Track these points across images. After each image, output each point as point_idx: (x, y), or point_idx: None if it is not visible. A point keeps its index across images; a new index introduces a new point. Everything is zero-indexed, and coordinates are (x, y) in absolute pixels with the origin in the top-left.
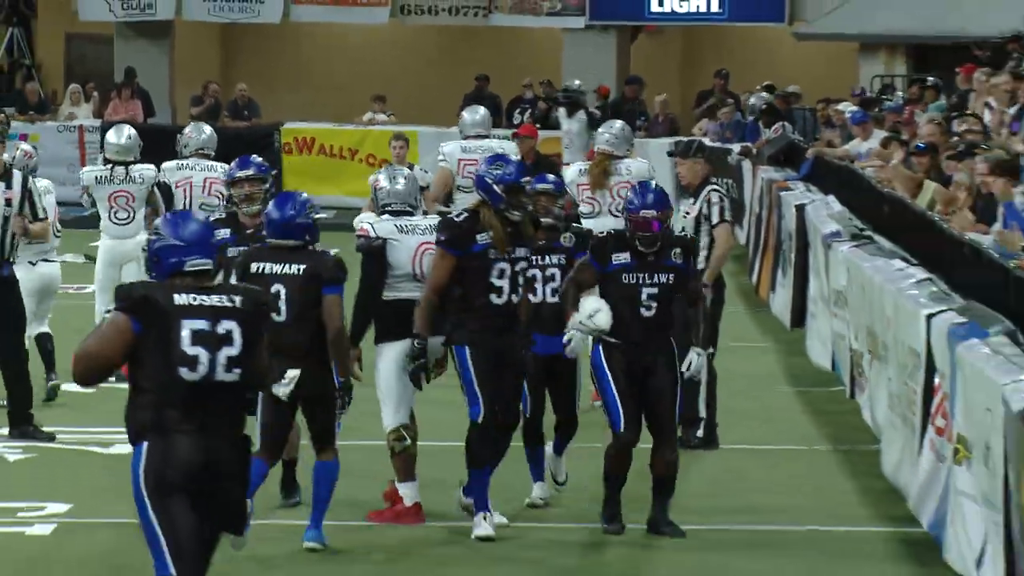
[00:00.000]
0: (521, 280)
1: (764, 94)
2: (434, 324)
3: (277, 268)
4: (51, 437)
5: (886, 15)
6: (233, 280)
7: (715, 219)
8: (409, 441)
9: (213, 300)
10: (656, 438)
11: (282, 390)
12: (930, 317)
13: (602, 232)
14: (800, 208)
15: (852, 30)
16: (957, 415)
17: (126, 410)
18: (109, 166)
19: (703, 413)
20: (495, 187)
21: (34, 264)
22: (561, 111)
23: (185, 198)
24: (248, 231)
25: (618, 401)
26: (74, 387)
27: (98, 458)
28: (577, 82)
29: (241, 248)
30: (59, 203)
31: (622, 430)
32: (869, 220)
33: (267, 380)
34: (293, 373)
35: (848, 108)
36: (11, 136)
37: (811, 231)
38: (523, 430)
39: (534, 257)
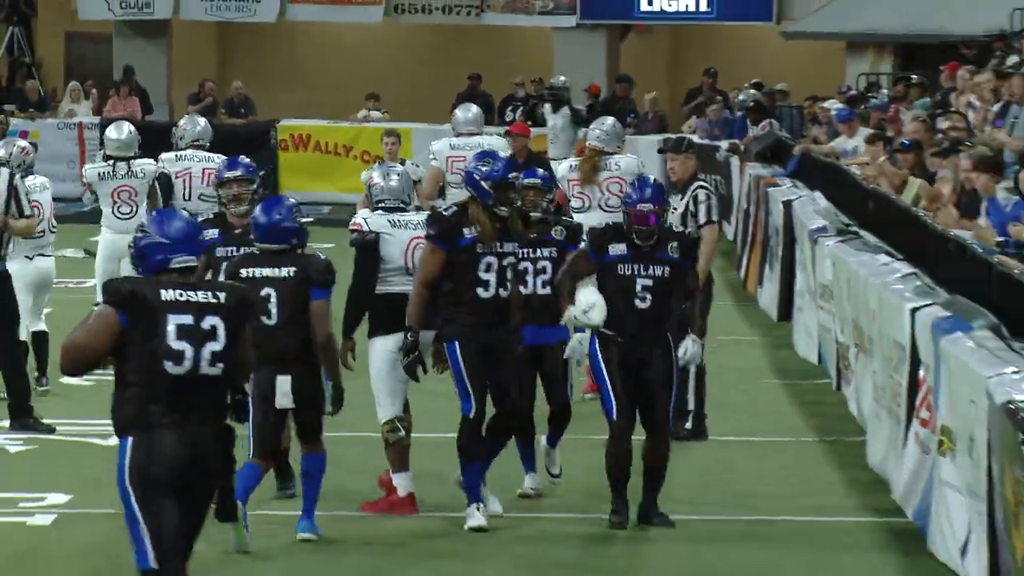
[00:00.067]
0: (509, 275)
1: (752, 91)
2: (426, 318)
3: (267, 272)
4: (51, 429)
5: (872, 14)
6: (222, 274)
7: (702, 218)
8: (403, 432)
9: (198, 296)
10: (649, 430)
11: (285, 401)
12: (915, 311)
13: (595, 225)
14: (787, 204)
15: (839, 29)
16: (941, 407)
17: (112, 403)
18: (110, 162)
19: (692, 405)
20: (483, 183)
21: (31, 259)
22: (547, 107)
23: (185, 189)
24: (236, 231)
25: (611, 391)
26: (73, 379)
27: (98, 449)
28: (562, 79)
29: (230, 248)
30: (59, 199)
31: (615, 417)
32: (855, 216)
33: (249, 374)
34: (284, 383)
35: (834, 106)
36: (11, 133)
37: (798, 226)
38: None
39: (526, 250)
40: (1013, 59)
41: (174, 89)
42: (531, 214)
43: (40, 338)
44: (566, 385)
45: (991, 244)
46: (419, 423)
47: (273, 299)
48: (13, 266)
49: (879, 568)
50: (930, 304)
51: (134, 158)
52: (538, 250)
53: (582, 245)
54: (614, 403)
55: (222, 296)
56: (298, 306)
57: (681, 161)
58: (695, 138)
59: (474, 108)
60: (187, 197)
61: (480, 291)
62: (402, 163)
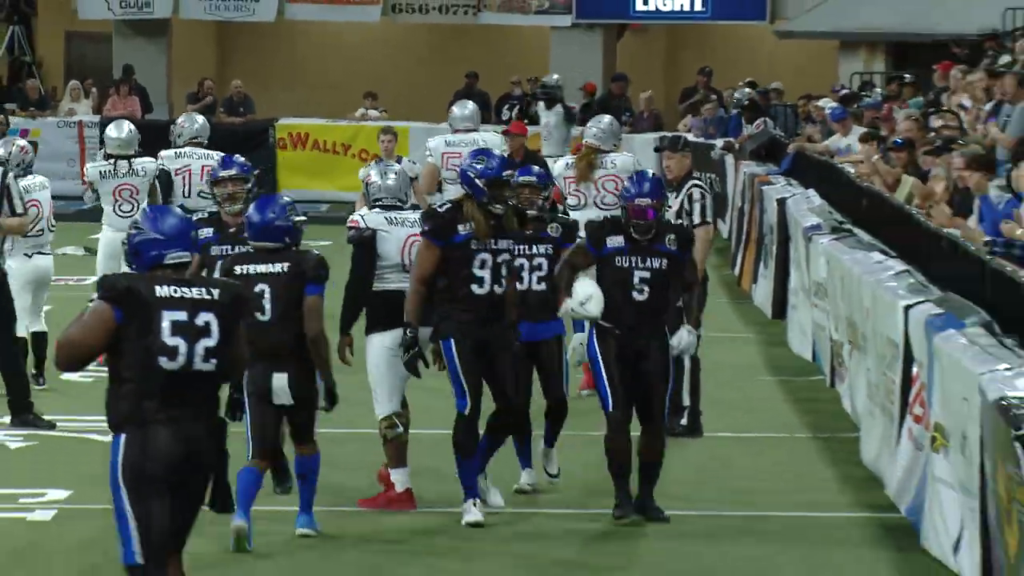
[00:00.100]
0: (504, 271)
1: (747, 89)
2: (424, 315)
3: (261, 268)
4: (51, 425)
5: (865, 13)
6: (216, 272)
7: (696, 218)
8: (401, 428)
9: (193, 292)
10: (645, 423)
11: (283, 397)
12: (908, 308)
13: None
14: (781, 202)
15: (832, 28)
16: (934, 404)
17: (106, 399)
18: (112, 161)
19: (687, 401)
20: (477, 181)
21: (30, 256)
22: (540, 105)
23: (184, 186)
24: (231, 230)
25: (607, 384)
26: (72, 376)
27: (97, 446)
28: (555, 77)
29: (224, 247)
30: (59, 197)
31: (612, 409)
32: (849, 214)
33: (243, 371)
34: (280, 381)
35: (828, 104)
36: (12, 132)
37: (792, 224)
38: None
39: (522, 247)
40: (1005, 58)
41: (174, 88)
42: (527, 212)
43: (39, 338)
44: (562, 380)
45: (979, 244)
46: (417, 419)
47: (267, 295)
48: (12, 264)
49: (873, 564)
50: (923, 301)
51: (135, 156)
52: (534, 247)
53: (579, 239)
54: (610, 395)
55: (216, 293)
56: (292, 302)
57: (677, 159)
58: (690, 136)
59: (470, 105)
60: (187, 194)
61: (474, 288)
62: (398, 160)
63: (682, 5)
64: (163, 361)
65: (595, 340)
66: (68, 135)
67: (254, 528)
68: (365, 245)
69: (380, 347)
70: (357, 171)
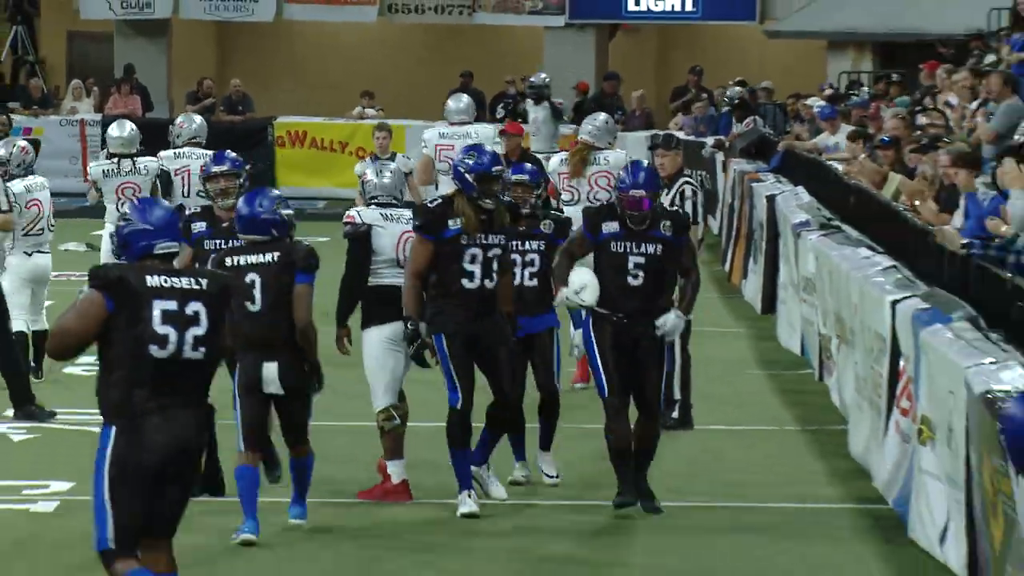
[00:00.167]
0: (495, 266)
1: (737, 88)
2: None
3: (252, 258)
4: (52, 414)
5: (853, 13)
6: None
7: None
8: (398, 420)
9: (182, 282)
10: (640, 410)
11: (273, 387)
12: (895, 303)
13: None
14: (771, 199)
15: (820, 28)
16: (921, 397)
17: (97, 387)
18: (114, 160)
19: (678, 395)
20: (467, 176)
21: (29, 255)
22: (528, 102)
23: (183, 186)
24: (224, 224)
25: (602, 371)
26: (74, 369)
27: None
28: (543, 76)
29: (217, 241)
30: (62, 194)
31: (608, 396)
32: (837, 210)
33: (224, 357)
34: (270, 370)
35: (817, 103)
36: (15, 130)
37: (781, 221)
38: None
39: (514, 243)
40: (991, 58)
41: (174, 87)
42: (520, 209)
43: (40, 337)
44: (553, 372)
45: (956, 247)
46: (415, 413)
47: (257, 285)
48: (12, 261)
49: (861, 554)
50: (910, 296)
51: (137, 155)
52: (527, 243)
53: (573, 233)
54: (606, 382)
55: (204, 283)
56: (282, 291)
57: (671, 157)
58: (681, 135)
59: (465, 98)
60: (186, 194)
61: (465, 282)
62: (393, 157)
63: (673, 5)
64: (153, 349)
65: (591, 327)
66: (70, 133)
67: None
68: (361, 240)
69: (376, 340)
70: (354, 169)
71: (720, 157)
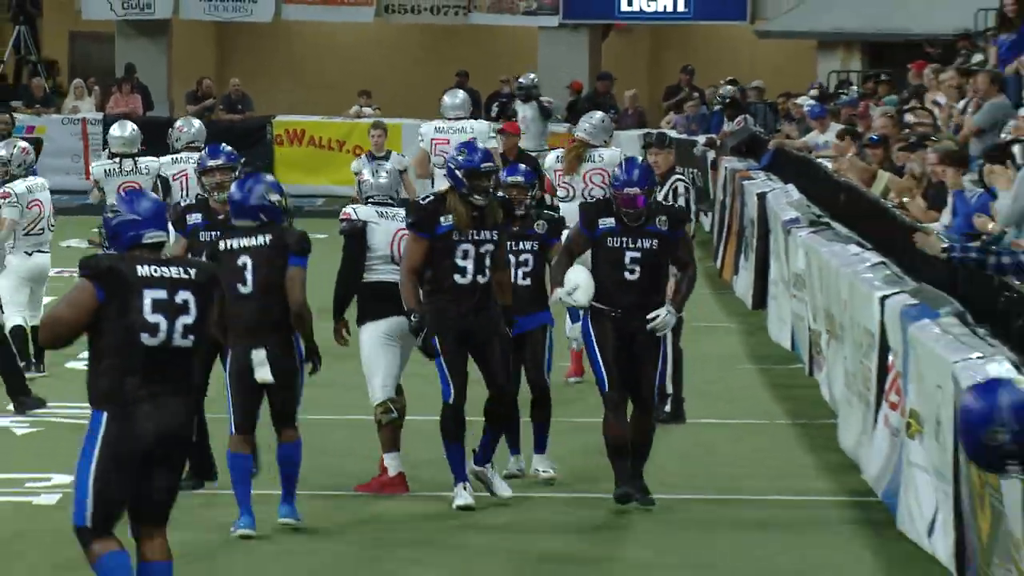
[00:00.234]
0: (488, 262)
1: (729, 87)
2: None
3: (244, 242)
4: (42, 402)
5: (838, 14)
6: (203, 256)
7: None
8: (395, 414)
9: (172, 272)
10: (635, 405)
11: (262, 374)
12: (884, 299)
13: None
14: (761, 196)
15: (809, 28)
16: (909, 391)
17: (87, 375)
18: (116, 160)
19: (670, 389)
20: (457, 172)
21: (30, 254)
22: (518, 102)
23: (182, 190)
24: (219, 217)
25: (602, 365)
26: (78, 364)
27: None
28: (532, 76)
29: (213, 233)
30: (64, 191)
31: (607, 390)
32: (826, 208)
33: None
34: (260, 356)
35: (807, 102)
36: (18, 129)
37: (772, 218)
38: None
39: (508, 243)
40: (978, 57)
41: (174, 86)
42: (514, 208)
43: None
44: (543, 368)
45: (936, 251)
46: (413, 407)
47: (249, 267)
48: (13, 261)
49: (851, 546)
50: (898, 292)
51: (139, 155)
52: (520, 243)
53: (569, 229)
54: (605, 376)
55: (193, 272)
56: (273, 275)
57: (664, 155)
58: (673, 133)
59: (461, 94)
60: (186, 197)
61: (457, 277)
62: (388, 155)
63: (665, 6)
64: (144, 337)
65: (590, 323)
66: (72, 132)
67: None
68: (356, 236)
69: (373, 335)
70: (350, 166)
71: (711, 155)
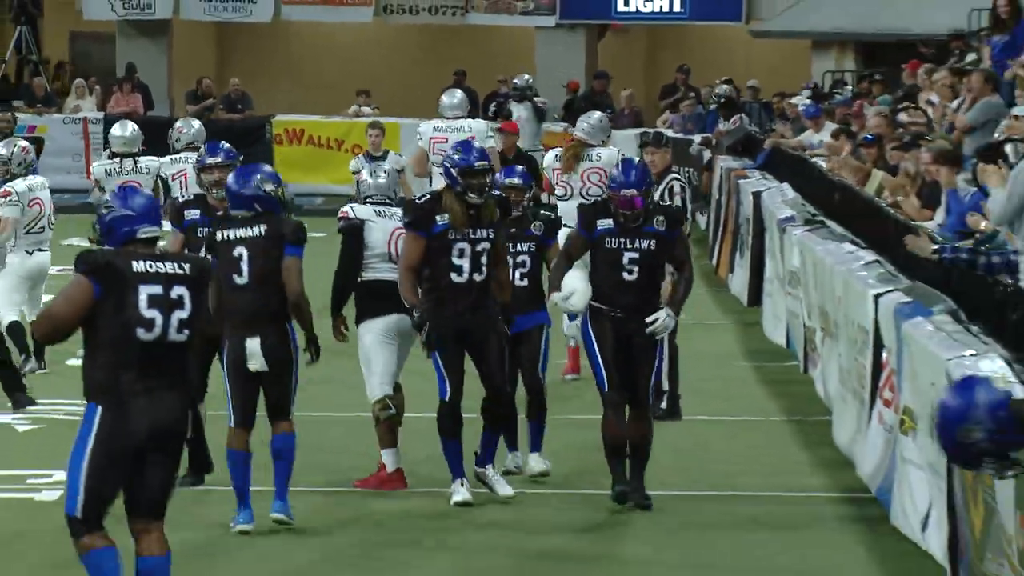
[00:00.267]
0: (484, 260)
1: (725, 86)
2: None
3: (240, 232)
4: (32, 401)
5: (832, 14)
6: (202, 251)
7: None
8: (393, 410)
9: (166, 267)
10: (632, 405)
11: (256, 363)
12: (878, 297)
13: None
14: (757, 195)
15: (804, 28)
16: (903, 388)
17: (83, 369)
18: (117, 159)
19: (667, 386)
20: (452, 171)
21: (30, 254)
22: (512, 102)
23: (181, 189)
24: (218, 213)
25: (601, 365)
26: (79, 362)
27: None
28: (526, 77)
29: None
30: (66, 190)
31: (607, 390)
32: (821, 206)
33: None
34: (253, 345)
35: (802, 102)
36: (19, 128)
37: (767, 216)
38: None
39: (506, 244)
40: (971, 57)
41: (174, 86)
42: (511, 209)
43: None
44: (539, 367)
45: (927, 253)
46: (411, 405)
47: (244, 258)
48: (14, 260)
49: (845, 541)
50: (892, 290)
51: (139, 155)
52: (518, 244)
53: (568, 227)
54: (605, 377)
55: (187, 267)
56: (268, 265)
57: (660, 154)
58: (670, 132)
59: (458, 93)
60: (184, 196)
61: (454, 276)
62: (385, 154)
63: (661, 6)
64: (140, 332)
65: (589, 323)
66: (73, 131)
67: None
68: (354, 234)
69: (371, 333)
70: (349, 165)
71: (707, 154)
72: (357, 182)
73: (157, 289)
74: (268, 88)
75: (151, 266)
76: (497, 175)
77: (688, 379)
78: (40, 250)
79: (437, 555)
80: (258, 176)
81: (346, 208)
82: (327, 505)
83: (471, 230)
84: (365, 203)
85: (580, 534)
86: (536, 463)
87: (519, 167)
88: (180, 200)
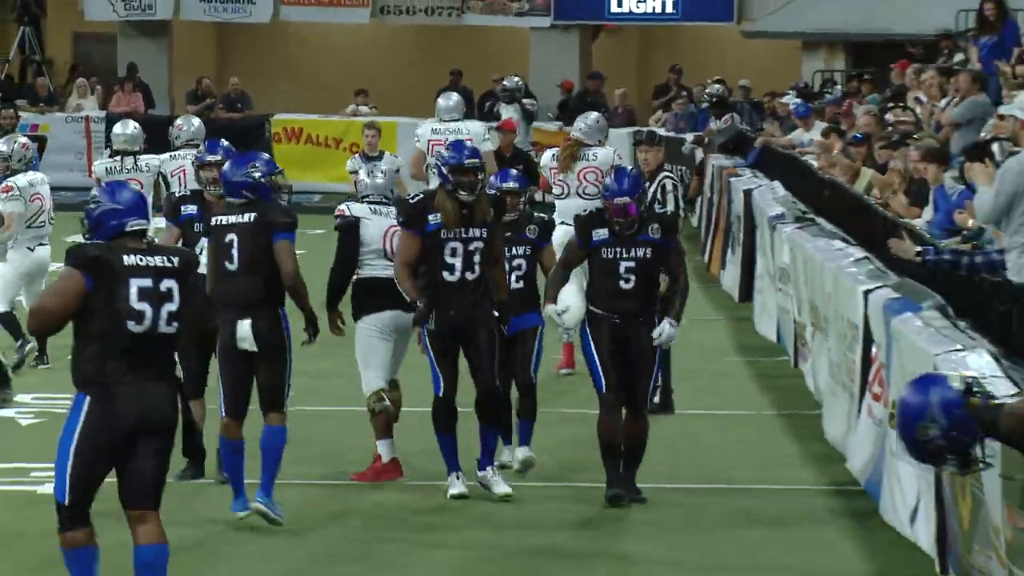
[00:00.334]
0: (477, 259)
1: (717, 86)
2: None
3: (231, 218)
4: (6, 402)
5: (825, 14)
6: (199, 244)
7: (670, 207)
8: (387, 402)
9: (156, 261)
10: (628, 407)
11: (246, 344)
12: (867, 293)
13: (584, 210)
14: (748, 193)
15: (794, 28)
16: (892, 383)
17: (72, 360)
18: (118, 157)
19: (659, 380)
20: (443, 168)
21: (32, 249)
22: (501, 104)
23: (179, 185)
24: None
25: (599, 366)
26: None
27: None
28: (516, 79)
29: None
30: (68, 188)
31: (604, 391)
32: (811, 204)
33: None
34: (244, 325)
35: (792, 101)
36: (22, 127)
37: (758, 213)
38: None
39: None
40: (959, 57)
41: (175, 85)
42: (506, 216)
43: None
44: (531, 365)
45: (911, 256)
46: (407, 399)
47: (235, 244)
48: (15, 255)
49: (835, 534)
50: (881, 286)
51: (139, 153)
52: (513, 248)
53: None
54: (603, 378)
55: (176, 260)
56: (257, 251)
57: (653, 153)
58: (662, 131)
59: (455, 96)
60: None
61: (446, 275)
62: (382, 155)
63: (654, 7)
64: (131, 325)
65: (587, 326)
66: (75, 130)
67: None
68: (350, 231)
69: (369, 327)
70: (346, 165)
71: (699, 153)
72: (355, 181)
73: (147, 282)
74: (267, 88)
75: (141, 260)
76: (492, 178)
77: (680, 374)
78: (41, 245)
79: (435, 552)
80: (247, 164)
81: (342, 206)
82: (324, 499)
83: (463, 229)
84: (361, 201)
85: (576, 529)
86: (521, 452)
87: (514, 171)
88: (177, 195)
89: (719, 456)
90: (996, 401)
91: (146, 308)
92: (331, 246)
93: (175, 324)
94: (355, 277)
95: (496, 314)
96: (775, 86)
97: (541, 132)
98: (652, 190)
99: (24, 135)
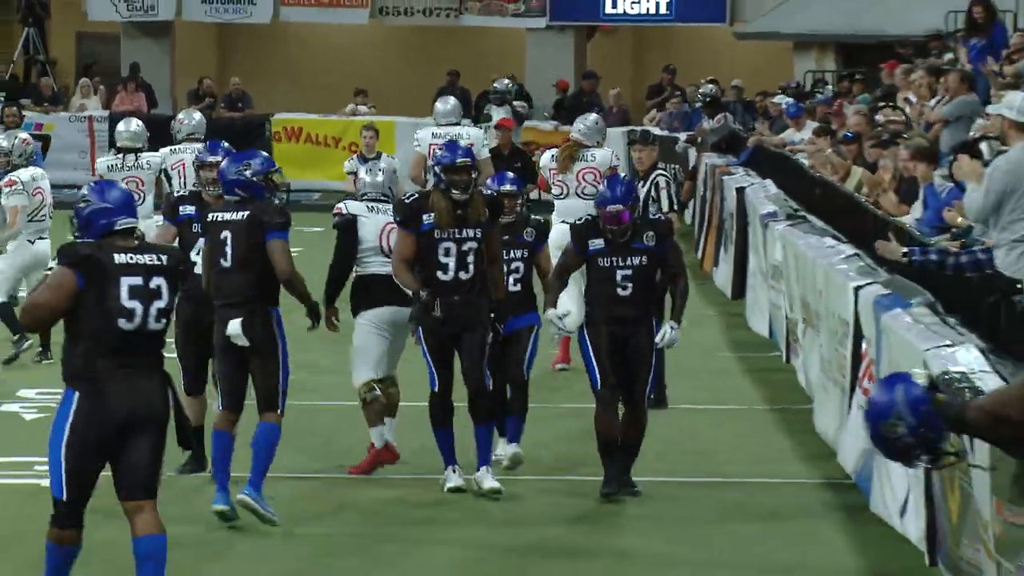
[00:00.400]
0: (471, 259)
1: (710, 86)
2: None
3: (226, 215)
4: None
5: (817, 15)
6: (196, 245)
7: (664, 206)
8: (378, 392)
9: (146, 259)
10: (627, 405)
11: (238, 340)
12: (858, 289)
13: (579, 218)
14: (740, 191)
15: (786, 29)
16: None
17: (62, 355)
18: (120, 155)
19: (653, 376)
20: (436, 168)
21: (32, 243)
22: (492, 106)
23: (179, 179)
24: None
25: (595, 364)
26: None
27: None
28: (506, 81)
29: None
30: (72, 185)
31: (600, 388)
32: (803, 202)
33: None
34: (235, 323)
35: (784, 101)
36: (27, 126)
37: (750, 211)
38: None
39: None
40: (948, 57)
41: (177, 85)
42: (504, 219)
43: None
44: (524, 362)
45: (897, 257)
46: (405, 393)
47: (228, 241)
48: (15, 247)
49: (826, 527)
50: (872, 283)
51: (141, 151)
52: (511, 251)
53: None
54: (599, 375)
55: (165, 258)
56: (250, 248)
57: (648, 152)
58: (656, 130)
59: (452, 100)
60: (183, 186)
61: (440, 274)
62: (379, 156)
63: (648, 8)
64: (121, 323)
65: (585, 325)
66: (79, 129)
67: (230, 496)
68: (347, 228)
69: (365, 323)
70: (343, 165)
71: (693, 152)
72: (354, 181)
73: (138, 280)
74: (267, 87)
75: (132, 258)
76: (489, 180)
77: (674, 369)
78: (41, 238)
79: (433, 547)
80: (243, 162)
81: (340, 205)
82: (322, 493)
83: (456, 229)
84: (359, 200)
85: (572, 523)
86: (510, 449)
87: (510, 174)
88: (176, 195)
89: (713, 450)
90: (963, 394)
91: (136, 306)
92: (330, 243)
93: (163, 321)
94: (354, 274)
95: (492, 314)
96: (767, 86)
97: (537, 131)
98: (646, 188)
99: (29, 133)
